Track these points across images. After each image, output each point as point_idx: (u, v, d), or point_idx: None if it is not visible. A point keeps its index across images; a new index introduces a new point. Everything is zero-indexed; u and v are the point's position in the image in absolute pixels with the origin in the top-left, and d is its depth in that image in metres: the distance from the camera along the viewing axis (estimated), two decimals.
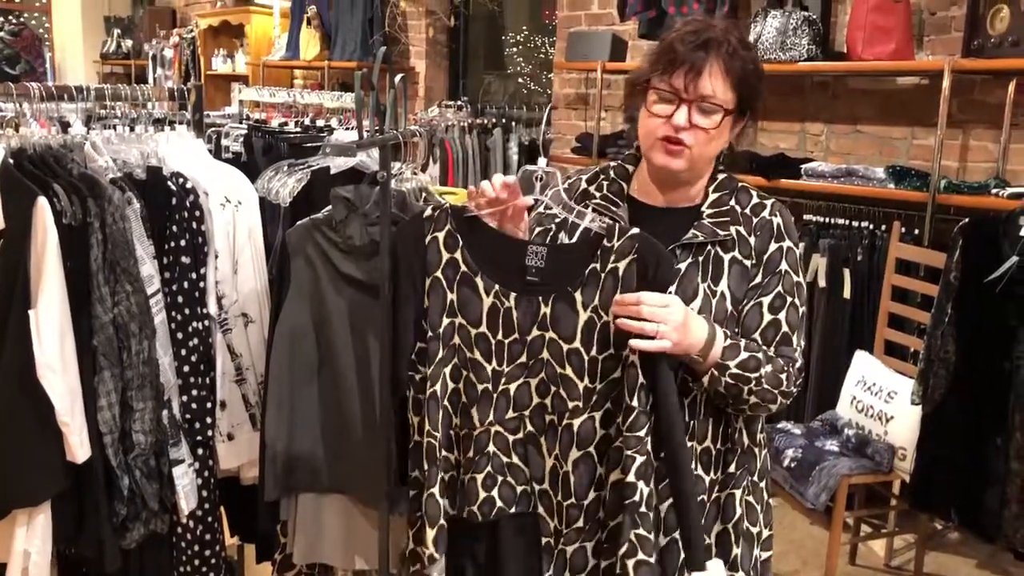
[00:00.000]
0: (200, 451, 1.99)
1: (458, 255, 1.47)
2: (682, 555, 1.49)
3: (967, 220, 2.49)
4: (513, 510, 1.49)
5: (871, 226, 3.31)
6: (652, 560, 1.41)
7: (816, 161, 3.63)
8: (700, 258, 1.50)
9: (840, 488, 2.62)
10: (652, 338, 1.35)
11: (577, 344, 1.42)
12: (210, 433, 2.00)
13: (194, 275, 1.94)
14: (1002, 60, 2.94)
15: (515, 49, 6.07)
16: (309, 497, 1.90)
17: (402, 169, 1.93)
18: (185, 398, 1.96)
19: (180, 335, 1.93)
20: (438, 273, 1.47)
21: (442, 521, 1.48)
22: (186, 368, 1.95)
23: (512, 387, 1.46)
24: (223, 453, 2.05)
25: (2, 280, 1.74)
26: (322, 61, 5.87)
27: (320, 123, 3.13)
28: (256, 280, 2.07)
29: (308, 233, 1.82)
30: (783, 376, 1.47)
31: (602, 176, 1.63)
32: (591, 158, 4.38)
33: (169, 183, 1.92)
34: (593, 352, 1.42)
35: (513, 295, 1.44)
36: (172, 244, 1.91)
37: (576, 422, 1.43)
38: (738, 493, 1.57)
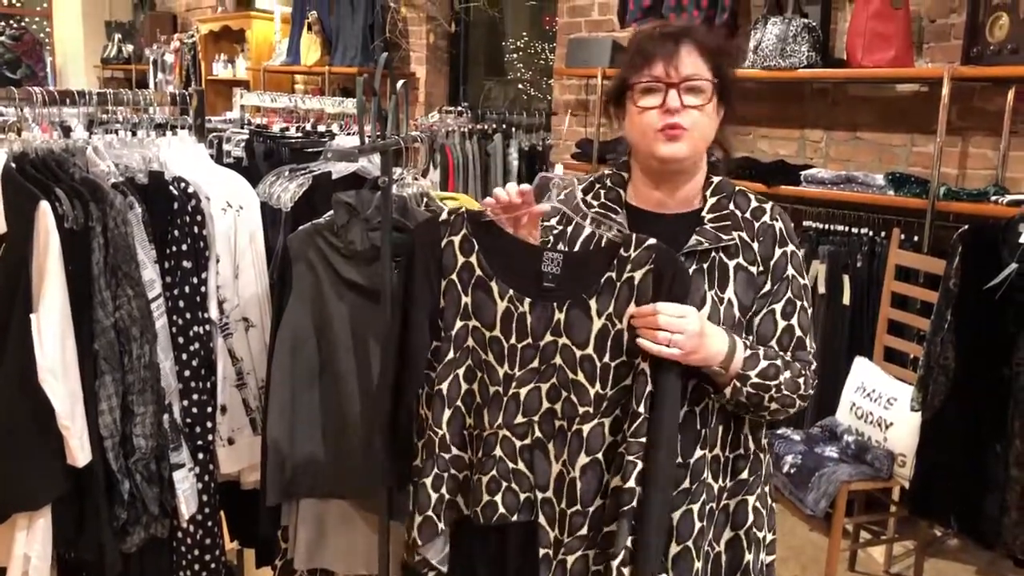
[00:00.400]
0: (200, 455, 1.99)
1: (473, 259, 1.48)
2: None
3: (966, 227, 2.50)
4: (515, 518, 1.49)
5: (871, 233, 3.32)
6: None
7: (816, 168, 3.63)
8: (705, 265, 1.50)
9: (840, 494, 2.62)
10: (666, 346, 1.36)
11: (590, 350, 1.43)
12: (211, 437, 2.00)
13: (195, 279, 1.95)
14: (1001, 68, 2.95)
15: (515, 55, 6.08)
16: (310, 502, 1.90)
17: (403, 174, 1.93)
18: (186, 402, 1.96)
19: (181, 339, 1.94)
20: (453, 276, 1.49)
21: (430, 512, 1.50)
22: (187, 372, 1.95)
23: (523, 391, 1.47)
24: (223, 457, 2.05)
25: (4, 284, 1.74)
26: (323, 66, 5.88)
27: (321, 128, 3.14)
28: (257, 285, 2.07)
29: (310, 238, 1.83)
30: (801, 380, 1.49)
31: (598, 185, 1.63)
32: (591, 164, 4.39)
33: (171, 188, 1.92)
34: (606, 359, 1.43)
35: (527, 300, 1.45)
36: (174, 248, 1.92)
37: (586, 428, 1.43)
38: (751, 499, 1.57)
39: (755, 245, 1.52)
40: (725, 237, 1.50)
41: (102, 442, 1.79)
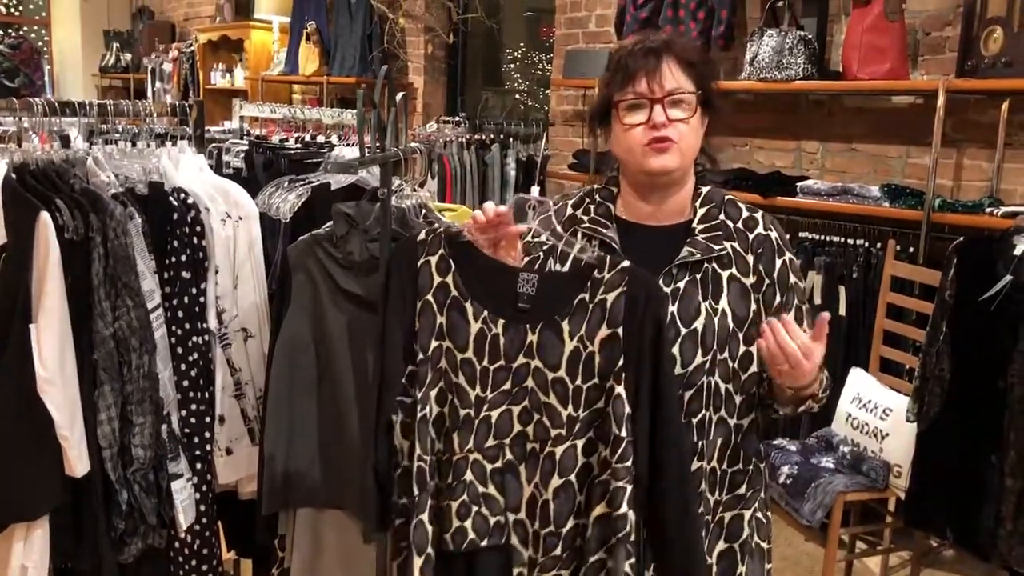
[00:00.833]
0: (198, 465, 1.99)
1: (449, 279, 1.47)
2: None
3: (962, 239, 2.51)
4: (485, 543, 1.45)
5: (866, 244, 3.33)
6: None
7: (812, 179, 3.65)
8: (698, 276, 1.50)
9: (836, 505, 2.62)
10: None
11: (562, 373, 1.42)
12: (208, 448, 2.01)
13: (194, 290, 1.95)
14: (995, 80, 2.97)
15: (513, 66, 6.11)
16: (307, 512, 1.90)
17: (402, 185, 1.94)
18: (184, 412, 1.96)
19: (180, 350, 1.94)
20: (429, 296, 1.47)
21: (430, 550, 1.45)
22: (185, 382, 1.96)
23: (494, 414, 1.45)
24: (221, 468, 2.05)
25: (3, 294, 1.74)
26: (321, 76, 5.90)
27: (320, 139, 3.15)
28: (256, 295, 2.08)
29: (309, 248, 1.83)
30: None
31: (588, 199, 1.63)
32: (588, 175, 4.40)
33: (171, 198, 1.93)
34: (578, 381, 1.42)
35: (501, 322, 1.44)
36: (173, 259, 1.92)
37: (558, 450, 1.43)
38: (747, 514, 1.58)
39: (750, 257, 1.53)
40: (716, 248, 1.51)
41: (100, 452, 1.80)
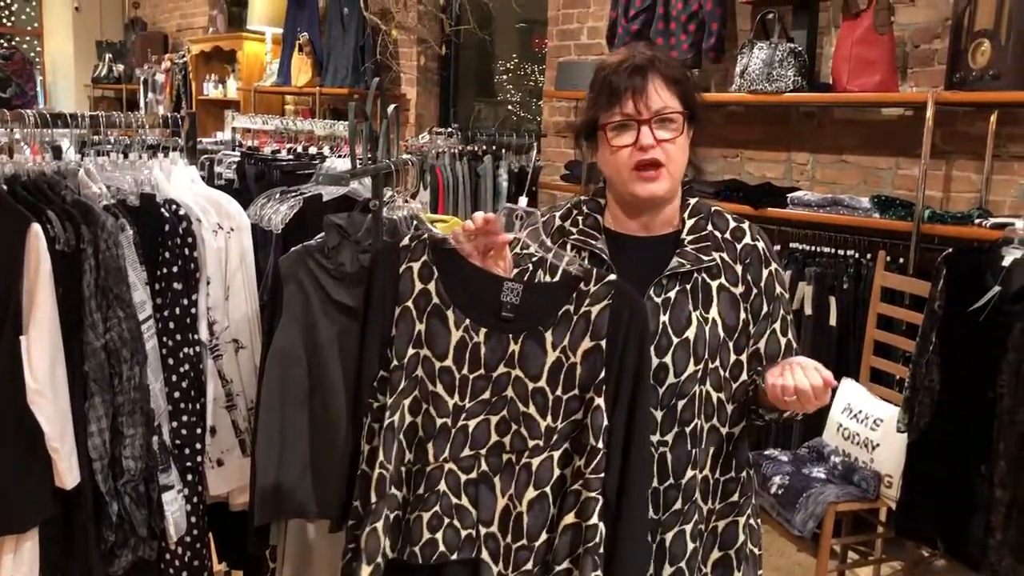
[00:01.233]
0: (189, 477, 1.99)
1: (431, 286, 1.46)
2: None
3: (951, 250, 2.53)
4: (455, 556, 1.43)
5: (856, 255, 3.35)
6: None
7: (802, 190, 3.67)
8: (688, 286, 1.51)
9: (827, 515, 2.63)
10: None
11: (543, 383, 1.42)
12: (200, 459, 2.00)
13: (186, 301, 1.95)
14: (983, 93, 3.00)
15: (505, 77, 6.13)
16: (298, 523, 1.90)
17: (394, 197, 1.95)
18: (175, 424, 1.96)
19: (171, 361, 1.94)
20: (409, 303, 1.46)
21: (379, 560, 1.41)
22: (177, 394, 1.95)
23: (471, 424, 1.44)
24: (212, 479, 2.05)
25: None
26: (313, 87, 5.91)
27: (313, 150, 3.15)
28: (248, 306, 2.08)
29: (301, 260, 1.84)
30: None
31: (575, 211, 1.64)
32: (580, 185, 4.41)
33: (162, 210, 1.94)
34: (558, 392, 1.42)
35: (483, 331, 1.43)
36: (164, 270, 1.92)
37: (535, 461, 1.42)
38: (741, 520, 1.60)
39: (738, 267, 1.54)
40: (705, 258, 1.52)
41: (91, 464, 1.79)
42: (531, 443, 1.42)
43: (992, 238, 2.55)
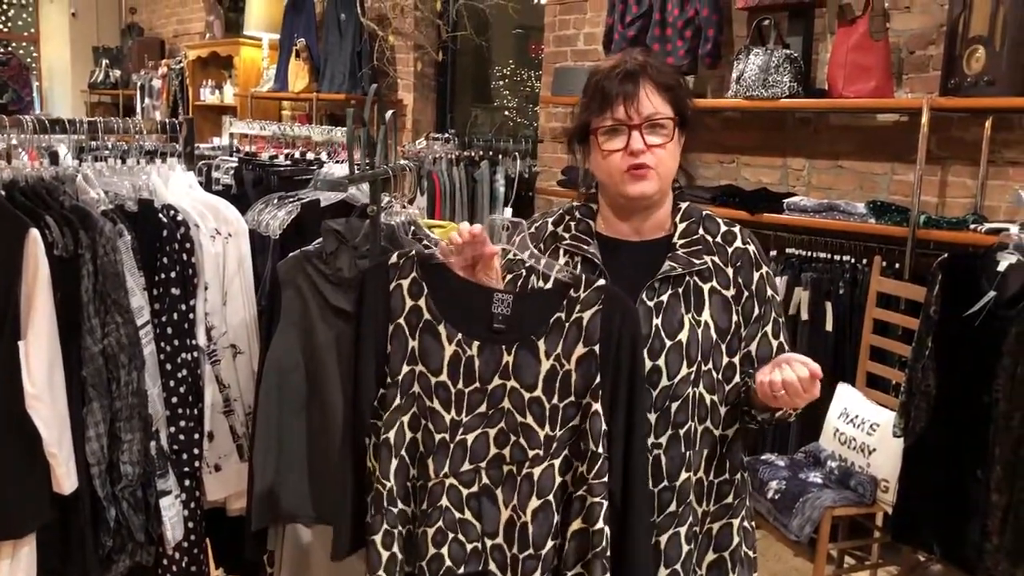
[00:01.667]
0: (187, 482, 1.99)
1: (422, 303, 1.46)
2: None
3: (946, 255, 2.53)
4: (462, 570, 1.44)
5: (852, 260, 3.36)
6: None
7: (798, 196, 3.68)
8: (680, 289, 1.53)
9: (824, 520, 2.63)
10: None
11: (539, 392, 1.42)
12: (197, 464, 2.00)
13: (183, 306, 1.96)
14: (978, 99, 3.01)
15: (502, 83, 6.14)
16: (296, 528, 1.90)
17: (391, 202, 1.95)
18: (173, 429, 1.96)
19: (169, 366, 1.94)
20: (401, 320, 1.46)
21: (381, 573, 1.43)
22: (174, 399, 1.95)
23: (470, 438, 1.44)
24: (210, 484, 2.05)
25: None
26: (310, 93, 5.91)
27: (310, 156, 3.16)
28: (245, 311, 2.08)
29: (298, 265, 1.84)
30: None
31: (568, 216, 1.65)
32: (576, 190, 4.42)
33: (160, 215, 1.94)
34: (555, 400, 1.42)
35: (476, 344, 1.44)
36: (162, 276, 1.93)
37: (536, 471, 1.42)
38: (736, 523, 1.60)
39: (729, 270, 1.55)
40: (697, 262, 1.54)
41: (89, 469, 1.79)
42: (531, 453, 1.43)
43: (987, 243, 2.56)
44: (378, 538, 1.44)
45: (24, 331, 1.71)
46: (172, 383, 1.95)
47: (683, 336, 1.50)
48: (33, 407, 1.70)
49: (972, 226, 3.05)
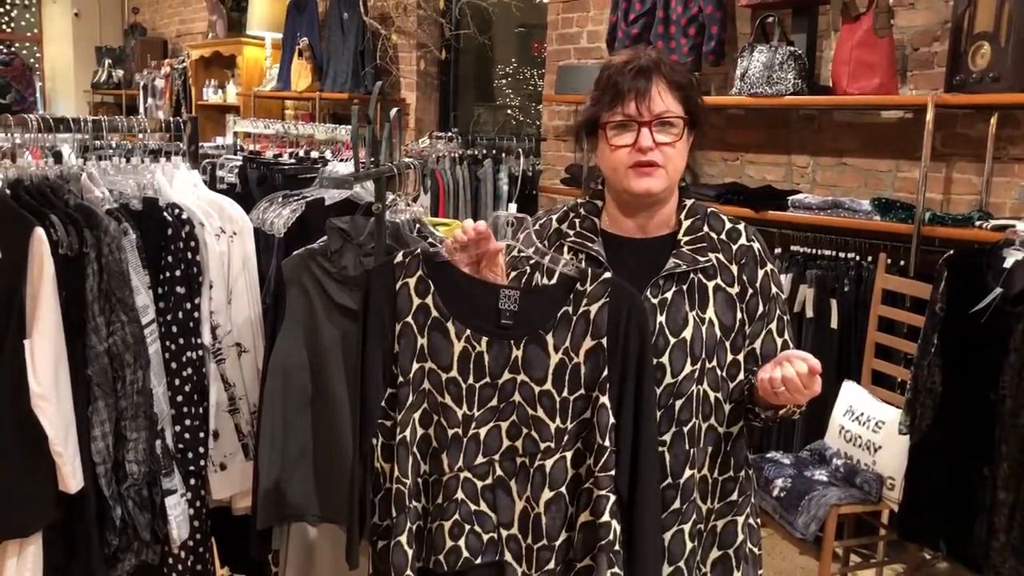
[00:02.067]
0: (192, 481, 1.99)
1: (429, 300, 1.47)
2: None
3: (952, 252, 2.53)
4: (479, 560, 1.46)
5: (857, 257, 3.35)
6: None
7: (803, 193, 3.67)
8: (684, 286, 1.52)
9: (829, 518, 2.63)
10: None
11: (549, 386, 1.43)
12: (203, 463, 2.00)
13: (188, 305, 1.96)
14: (983, 95, 3.00)
15: (505, 81, 6.14)
16: (301, 526, 1.90)
17: (396, 200, 1.95)
18: (178, 428, 1.96)
19: (174, 365, 1.94)
20: (408, 318, 1.47)
21: (409, 572, 1.44)
22: (179, 398, 1.95)
23: (482, 431, 1.45)
24: (215, 483, 2.05)
25: None
26: (313, 92, 5.91)
27: (314, 154, 3.16)
28: (250, 310, 2.08)
29: (303, 263, 1.84)
30: None
31: (572, 214, 1.64)
32: (580, 188, 4.42)
33: (165, 214, 1.94)
34: (565, 393, 1.43)
35: (485, 339, 1.44)
36: (167, 274, 1.93)
37: (548, 463, 1.43)
38: (740, 520, 1.60)
39: (734, 267, 1.55)
40: (702, 259, 1.53)
41: (94, 468, 1.79)
42: (543, 445, 1.43)
43: (993, 240, 2.56)
44: (404, 538, 1.44)
45: (29, 330, 1.71)
46: (177, 382, 1.95)
47: (687, 333, 1.50)
48: (39, 406, 1.70)
49: (977, 223, 3.05)
